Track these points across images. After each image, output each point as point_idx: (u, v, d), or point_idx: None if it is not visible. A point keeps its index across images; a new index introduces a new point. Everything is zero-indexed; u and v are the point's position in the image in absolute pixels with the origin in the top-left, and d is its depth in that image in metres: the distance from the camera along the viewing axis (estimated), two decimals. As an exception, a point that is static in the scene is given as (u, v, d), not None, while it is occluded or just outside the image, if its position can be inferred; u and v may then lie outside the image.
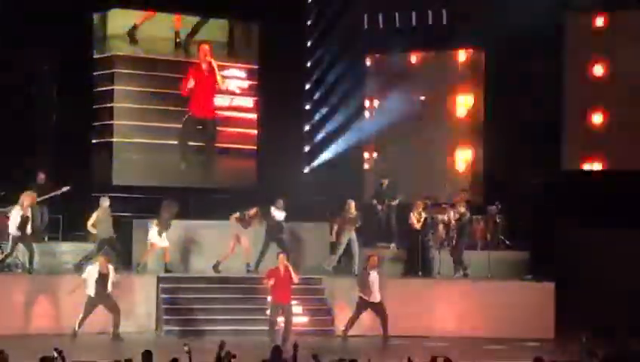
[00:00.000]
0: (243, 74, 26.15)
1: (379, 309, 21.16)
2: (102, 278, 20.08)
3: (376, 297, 21.08)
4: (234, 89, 26.03)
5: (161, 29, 25.49)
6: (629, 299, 22.66)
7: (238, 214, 22.47)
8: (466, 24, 25.86)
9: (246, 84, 26.17)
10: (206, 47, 25.32)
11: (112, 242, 22.12)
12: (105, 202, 22.20)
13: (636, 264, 23.33)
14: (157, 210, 22.49)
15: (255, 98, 26.15)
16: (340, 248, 23.16)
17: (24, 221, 21.18)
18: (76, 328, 20.03)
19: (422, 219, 23.32)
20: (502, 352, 14.11)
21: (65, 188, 22.80)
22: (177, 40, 25.54)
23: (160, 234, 22.23)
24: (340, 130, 27.20)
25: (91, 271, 20.18)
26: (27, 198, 21.28)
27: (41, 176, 23.06)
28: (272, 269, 20.18)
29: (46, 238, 23.07)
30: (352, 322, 21.23)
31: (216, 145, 25.75)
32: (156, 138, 25.22)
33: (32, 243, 21.44)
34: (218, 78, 25.16)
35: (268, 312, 20.48)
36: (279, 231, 22.97)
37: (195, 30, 25.67)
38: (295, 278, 20.15)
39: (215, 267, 22.66)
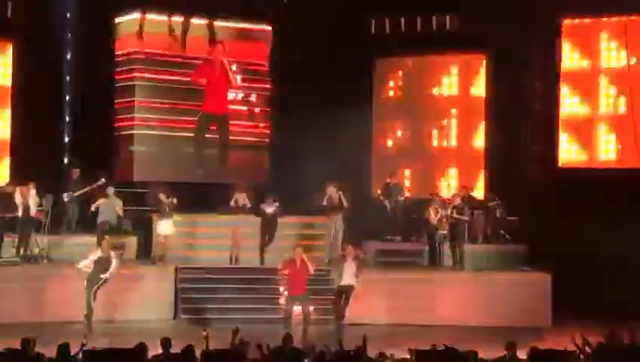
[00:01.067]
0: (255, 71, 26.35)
1: (347, 292, 20.94)
2: (101, 261, 19.65)
3: (346, 280, 20.79)
4: (247, 85, 26.24)
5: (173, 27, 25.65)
6: (622, 290, 22.79)
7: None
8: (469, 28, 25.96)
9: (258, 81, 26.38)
10: (220, 46, 25.52)
11: (106, 227, 22.22)
12: (109, 190, 22.45)
13: (629, 255, 23.47)
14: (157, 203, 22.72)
15: (266, 93, 26.32)
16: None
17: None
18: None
19: (438, 214, 23.46)
20: (500, 340, 14.29)
21: (101, 181, 23.04)
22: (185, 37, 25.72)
23: (162, 222, 22.48)
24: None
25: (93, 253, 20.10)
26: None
27: (76, 172, 23.30)
28: (288, 261, 20.19)
29: (72, 230, 23.25)
30: (336, 310, 20.91)
31: (230, 138, 25.95)
32: (176, 133, 25.40)
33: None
34: (230, 76, 25.39)
35: (282, 302, 20.66)
36: (272, 224, 23.24)
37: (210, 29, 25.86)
38: (311, 269, 20.12)
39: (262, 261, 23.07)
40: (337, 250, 22.61)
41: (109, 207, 22.36)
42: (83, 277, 19.56)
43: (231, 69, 25.56)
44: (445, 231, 23.56)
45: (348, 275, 20.43)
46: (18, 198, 21.60)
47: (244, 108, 26.37)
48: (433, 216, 23.60)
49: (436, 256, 23.67)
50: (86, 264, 19.53)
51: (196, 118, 25.48)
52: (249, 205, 23.86)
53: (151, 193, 22.94)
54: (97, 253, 19.70)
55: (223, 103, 25.69)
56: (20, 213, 21.62)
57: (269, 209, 23.38)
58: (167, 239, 22.61)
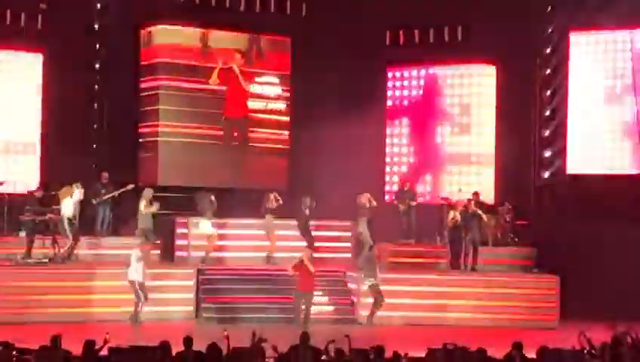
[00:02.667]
0: (276, 80, 26.34)
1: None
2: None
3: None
4: (269, 94, 26.22)
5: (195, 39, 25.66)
6: (627, 292, 22.68)
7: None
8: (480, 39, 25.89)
9: (279, 89, 26.35)
10: (237, 55, 25.51)
11: (143, 233, 22.39)
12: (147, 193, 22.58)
13: (634, 258, 23.37)
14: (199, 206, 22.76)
15: (287, 102, 26.33)
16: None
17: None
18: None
19: (457, 219, 23.35)
20: (510, 339, 14.25)
21: (129, 186, 23.10)
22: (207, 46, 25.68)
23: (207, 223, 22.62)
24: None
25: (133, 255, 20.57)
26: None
27: (105, 176, 23.34)
28: (297, 263, 20.48)
29: (104, 233, 23.33)
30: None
31: (250, 144, 25.92)
32: (198, 139, 25.39)
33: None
34: (242, 83, 25.41)
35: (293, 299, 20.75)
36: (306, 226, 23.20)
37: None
38: (312, 269, 20.53)
39: (268, 259, 22.98)
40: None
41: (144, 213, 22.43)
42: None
43: (243, 77, 25.49)
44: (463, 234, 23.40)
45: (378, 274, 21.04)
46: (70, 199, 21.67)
47: (265, 115, 26.29)
48: (450, 219, 23.42)
49: (460, 258, 23.47)
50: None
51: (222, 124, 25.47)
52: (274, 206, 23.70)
53: (200, 197, 22.91)
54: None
55: (241, 108, 25.64)
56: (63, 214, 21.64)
57: (305, 210, 23.30)
58: (210, 239, 22.65)
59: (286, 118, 26.43)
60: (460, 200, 24.06)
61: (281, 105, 26.41)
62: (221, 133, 25.61)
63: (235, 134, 25.77)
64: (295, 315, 20.50)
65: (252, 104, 26.04)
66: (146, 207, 22.33)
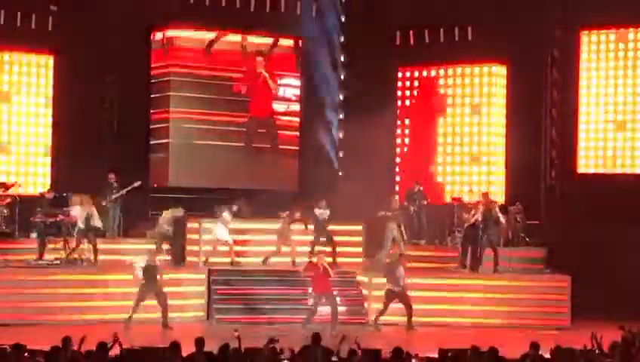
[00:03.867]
0: (296, 82, 26.34)
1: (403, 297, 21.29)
2: (149, 270, 20.40)
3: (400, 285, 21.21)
4: (290, 96, 26.23)
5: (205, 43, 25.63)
6: (637, 291, 22.59)
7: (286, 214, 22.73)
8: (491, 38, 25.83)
9: (297, 91, 26.36)
10: (260, 58, 25.48)
11: (163, 238, 22.45)
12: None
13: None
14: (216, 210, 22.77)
15: (290, 102, 26.30)
16: (386, 241, 23.31)
17: (87, 217, 21.55)
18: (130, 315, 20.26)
19: (475, 217, 23.23)
20: (523, 339, 14.22)
21: (136, 184, 23.10)
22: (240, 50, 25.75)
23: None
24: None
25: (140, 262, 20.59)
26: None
27: (111, 176, 23.34)
28: (311, 263, 20.32)
29: (116, 234, 23.38)
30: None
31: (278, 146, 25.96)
32: (211, 141, 25.37)
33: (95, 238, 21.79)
34: (271, 86, 25.41)
35: (309, 301, 20.66)
36: (324, 229, 23.14)
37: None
38: (331, 274, 20.44)
39: (264, 261, 22.87)
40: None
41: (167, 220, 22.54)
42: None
43: (273, 80, 25.46)
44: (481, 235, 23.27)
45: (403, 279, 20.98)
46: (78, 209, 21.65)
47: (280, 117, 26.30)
48: (471, 219, 23.29)
49: (478, 259, 23.33)
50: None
51: (246, 123, 25.54)
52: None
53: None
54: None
55: (267, 108, 25.66)
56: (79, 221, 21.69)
57: (323, 213, 23.25)
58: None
59: (297, 120, 26.38)
60: (481, 201, 23.86)
61: (296, 107, 26.37)
62: (239, 133, 25.58)
63: (264, 132, 25.67)
64: (308, 316, 20.31)
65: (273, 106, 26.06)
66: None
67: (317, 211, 23.11)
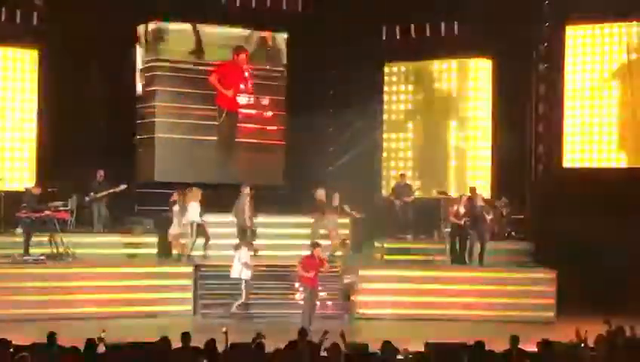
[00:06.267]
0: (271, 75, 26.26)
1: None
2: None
3: None
4: (266, 89, 26.14)
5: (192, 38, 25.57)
6: (624, 286, 22.67)
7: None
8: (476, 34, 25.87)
9: (272, 85, 26.26)
10: (244, 55, 25.40)
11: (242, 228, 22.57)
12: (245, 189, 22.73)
13: (631, 252, 23.33)
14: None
15: (277, 97, 26.20)
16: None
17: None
18: None
19: (462, 213, 23.25)
20: (508, 333, 14.27)
21: (123, 186, 23.08)
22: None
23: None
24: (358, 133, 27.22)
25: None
26: None
27: (101, 174, 23.30)
28: (309, 259, 20.12)
29: (101, 229, 23.31)
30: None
31: (241, 140, 25.75)
32: (195, 135, 25.30)
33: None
34: (249, 85, 25.30)
35: (301, 297, 20.50)
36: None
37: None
38: (327, 267, 20.40)
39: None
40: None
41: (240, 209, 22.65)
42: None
43: (251, 78, 25.40)
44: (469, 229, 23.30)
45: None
46: None
47: (258, 111, 26.17)
48: (462, 213, 23.31)
49: (463, 254, 23.37)
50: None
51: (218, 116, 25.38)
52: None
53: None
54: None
55: (235, 102, 25.53)
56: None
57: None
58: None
59: (282, 114, 26.32)
60: (465, 195, 23.93)
61: (275, 102, 26.29)
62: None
63: (233, 128, 25.65)
64: (309, 314, 19.82)
65: (244, 100, 25.93)
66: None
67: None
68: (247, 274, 20.97)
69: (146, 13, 24.83)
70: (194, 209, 22.37)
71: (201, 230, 22.57)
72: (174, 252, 22.51)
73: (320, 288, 20.69)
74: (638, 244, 23.31)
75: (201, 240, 22.73)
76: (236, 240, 22.08)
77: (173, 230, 22.43)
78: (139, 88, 25.39)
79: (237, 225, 22.87)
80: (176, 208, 22.40)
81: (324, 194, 23.22)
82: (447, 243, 23.58)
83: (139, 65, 25.35)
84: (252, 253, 21.79)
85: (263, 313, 20.98)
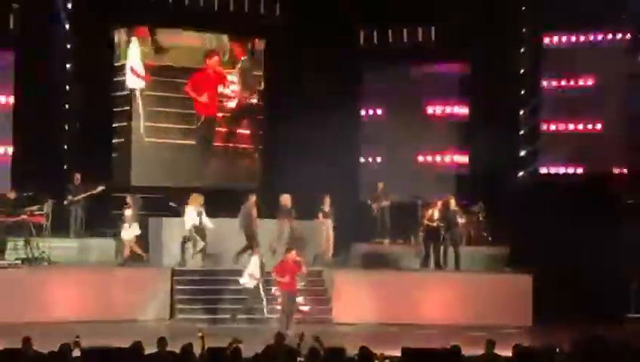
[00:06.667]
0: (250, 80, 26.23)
1: None
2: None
3: None
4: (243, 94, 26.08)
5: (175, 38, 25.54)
6: (599, 290, 22.76)
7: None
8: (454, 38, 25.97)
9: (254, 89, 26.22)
10: (216, 57, 25.38)
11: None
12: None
13: (606, 257, 23.42)
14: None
15: (261, 102, 26.19)
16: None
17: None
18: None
19: (436, 217, 23.26)
20: (484, 338, 14.29)
21: (100, 188, 23.00)
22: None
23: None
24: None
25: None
26: None
27: (77, 177, 23.22)
28: (283, 264, 20.13)
29: (79, 233, 23.21)
30: None
31: (218, 144, 25.80)
32: (172, 139, 25.24)
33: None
34: (226, 83, 25.32)
35: (280, 301, 20.37)
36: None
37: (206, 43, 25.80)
38: (305, 270, 20.37)
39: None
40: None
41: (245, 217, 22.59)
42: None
43: (226, 77, 25.37)
44: (443, 233, 23.34)
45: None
46: None
47: (237, 115, 26.17)
48: (436, 217, 23.32)
49: (438, 258, 23.38)
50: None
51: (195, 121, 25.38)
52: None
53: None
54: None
55: (212, 107, 25.49)
56: None
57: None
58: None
59: (259, 118, 26.30)
60: (438, 199, 24.00)
61: (255, 105, 26.25)
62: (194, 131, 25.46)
63: (211, 133, 25.60)
64: (288, 320, 19.81)
65: (227, 104, 25.88)
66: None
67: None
68: (252, 283, 20.86)
69: (125, 17, 24.74)
70: (189, 214, 22.28)
71: (200, 234, 22.47)
72: (126, 254, 22.37)
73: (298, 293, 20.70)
74: (613, 248, 23.41)
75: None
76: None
77: (126, 234, 22.34)
78: (116, 92, 25.31)
79: (245, 234, 22.65)
80: (128, 213, 22.32)
81: (289, 199, 23.18)
82: (422, 248, 23.60)
83: (116, 68, 25.27)
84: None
85: (239, 318, 20.90)
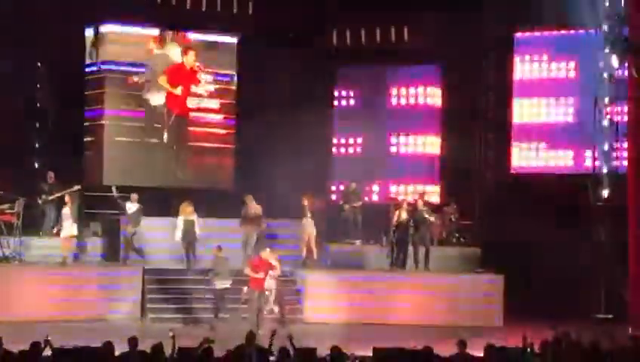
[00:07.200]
0: (220, 79, 26.16)
1: None
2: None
3: None
4: (216, 92, 26.06)
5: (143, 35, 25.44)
6: (569, 291, 22.87)
7: None
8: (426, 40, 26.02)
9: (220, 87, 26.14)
10: (192, 52, 25.34)
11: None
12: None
13: (577, 258, 23.55)
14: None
15: (225, 101, 26.13)
16: None
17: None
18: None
19: (403, 217, 23.27)
20: (455, 338, 14.34)
21: (76, 187, 22.88)
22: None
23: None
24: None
25: None
26: None
27: (51, 176, 23.09)
28: (259, 261, 20.14)
29: (51, 232, 23.01)
30: None
31: (191, 143, 25.69)
32: (144, 137, 25.14)
33: None
34: (200, 78, 25.26)
35: (246, 298, 20.38)
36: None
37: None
38: (279, 270, 20.39)
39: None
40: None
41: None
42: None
43: (198, 77, 25.36)
44: (411, 233, 23.36)
45: None
46: None
47: (209, 114, 26.08)
48: (404, 218, 23.33)
49: (406, 258, 23.43)
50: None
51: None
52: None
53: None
54: None
55: (184, 105, 25.48)
56: None
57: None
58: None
59: (232, 117, 26.24)
60: (406, 200, 24.09)
61: (227, 104, 26.19)
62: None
63: (182, 132, 25.56)
64: (251, 314, 20.09)
65: (198, 103, 25.80)
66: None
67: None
68: (270, 284, 20.88)
69: (96, 16, 24.62)
70: (178, 224, 22.26)
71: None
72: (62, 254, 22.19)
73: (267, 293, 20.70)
74: (585, 249, 23.55)
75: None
76: None
77: (63, 232, 22.21)
78: (87, 90, 25.20)
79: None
80: (66, 210, 22.24)
81: (259, 208, 23.19)
82: (393, 248, 23.59)
83: (87, 66, 25.15)
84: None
85: (211, 317, 20.85)
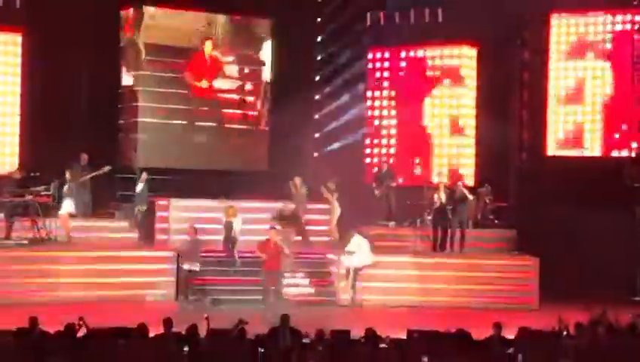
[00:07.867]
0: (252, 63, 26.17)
1: None
2: None
3: None
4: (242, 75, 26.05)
5: (178, 20, 25.45)
6: (605, 274, 22.74)
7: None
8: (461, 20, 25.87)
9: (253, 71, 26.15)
10: (209, 42, 25.35)
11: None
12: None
13: (613, 241, 23.40)
14: None
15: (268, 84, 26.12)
16: None
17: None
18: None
19: (442, 199, 23.20)
20: (490, 320, 14.28)
21: (106, 168, 23.01)
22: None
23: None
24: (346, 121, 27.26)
25: None
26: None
27: (84, 157, 23.22)
28: (263, 243, 20.21)
29: (87, 213, 23.17)
30: None
31: (226, 125, 25.77)
32: (178, 120, 25.23)
33: None
34: (222, 67, 25.29)
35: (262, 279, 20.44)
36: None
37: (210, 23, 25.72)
38: (286, 250, 20.43)
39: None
40: None
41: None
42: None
43: (221, 61, 25.34)
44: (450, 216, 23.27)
45: None
46: None
47: (243, 96, 26.10)
48: (443, 200, 23.23)
49: (445, 241, 23.36)
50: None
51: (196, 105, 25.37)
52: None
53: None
54: None
55: (211, 91, 25.50)
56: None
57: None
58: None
59: (267, 99, 26.24)
60: (441, 182, 23.97)
61: (260, 86, 26.19)
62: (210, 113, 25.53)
63: (212, 113, 25.62)
64: (264, 296, 20.13)
65: (227, 85, 25.82)
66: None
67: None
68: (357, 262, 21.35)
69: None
70: (238, 224, 22.36)
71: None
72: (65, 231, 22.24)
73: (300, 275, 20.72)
74: (620, 232, 23.40)
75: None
76: None
77: (62, 210, 22.25)
78: (122, 72, 25.27)
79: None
80: (66, 188, 22.29)
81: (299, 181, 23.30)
82: (431, 231, 23.52)
83: (122, 48, 25.22)
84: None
85: (246, 299, 20.88)
